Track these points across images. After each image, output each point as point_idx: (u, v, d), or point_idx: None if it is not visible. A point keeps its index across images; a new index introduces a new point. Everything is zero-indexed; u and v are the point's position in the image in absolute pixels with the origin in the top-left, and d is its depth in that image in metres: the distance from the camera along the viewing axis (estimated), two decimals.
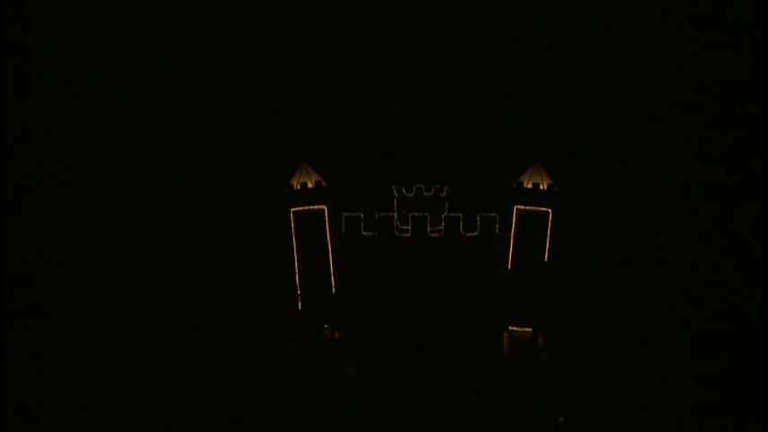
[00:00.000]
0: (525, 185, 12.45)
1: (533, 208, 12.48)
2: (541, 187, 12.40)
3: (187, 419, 10.47)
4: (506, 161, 12.76)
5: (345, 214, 12.57)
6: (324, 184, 12.57)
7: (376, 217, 12.57)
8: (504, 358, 11.82)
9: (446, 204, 12.54)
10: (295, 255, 12.58)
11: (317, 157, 12.75)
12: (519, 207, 12.52)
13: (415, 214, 12.54)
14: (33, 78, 12.42)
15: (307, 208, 12.59)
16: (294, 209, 12.55)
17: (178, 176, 12.77)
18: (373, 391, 10.84)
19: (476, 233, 12.51)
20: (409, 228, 12.55)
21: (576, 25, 12.78)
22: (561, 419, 10.38)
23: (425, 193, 12.55)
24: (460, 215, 12.53)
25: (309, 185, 12.57)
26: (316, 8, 12.89)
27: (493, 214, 12.54)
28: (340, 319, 11.47)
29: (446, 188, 12.53)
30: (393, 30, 12.92)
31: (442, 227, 12.55)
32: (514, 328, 12.52)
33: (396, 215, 12.57)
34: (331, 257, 12.63)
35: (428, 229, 12.53)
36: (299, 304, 12.64)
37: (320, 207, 12.60)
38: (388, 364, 11.29)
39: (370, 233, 12.56)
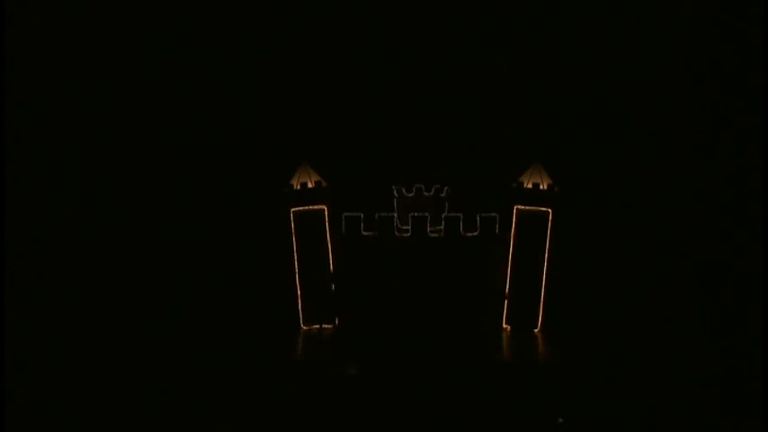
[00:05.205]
0: (525, 185, 12.45)
1: (533, 208, 12.49)
2: (541, 187, 12.40)
3: (186, 420, 10.48)
4: (506, 161, 12.76)
5: (345, 214, 12.57)
6: (324, 184, 12.58)
7: (376, 217, 12.58)
8: (504, 358, 11.83)
9: (446, 204, 12.55)
10: (295, 255, 12.59)
11: (317, 157, 12.75)
12: (519, 207, 12.52)
13: (415, 214, 12.56)
14: (33, 78, 12.44)
15: (307, 208, 12.60)
16: (294, 209, 12.57)
17: (177, 176, 12.76)
18: (373, 391, 10.84)
19: (476, 233, 12.53)
20: (409, 228, 12.55)
21: (576, 24, 12.78)
22: (561, 420, 10.39)
23: (425, 193, 12.56)
24: (460, 215, 12.53)
25: (309, 185, 12.58)
26: (315, 7, 12.89)
27: (493, 214, 12.54)
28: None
29: (446, 188, 12.54)
30: (393, 29, 12.90)
31: (441, 227, 12.55)
32: (515, 329, 12.56)
33: (396, 215, 12.58)
34: (331, 257, 12.64)
35: (428, 229, 12.54)
36: (299, 304, 12.66)
37: (320, 207, 12.61)
38: (388, 364, 11.29)
39: (370, 233, 12.57)
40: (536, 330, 12.52)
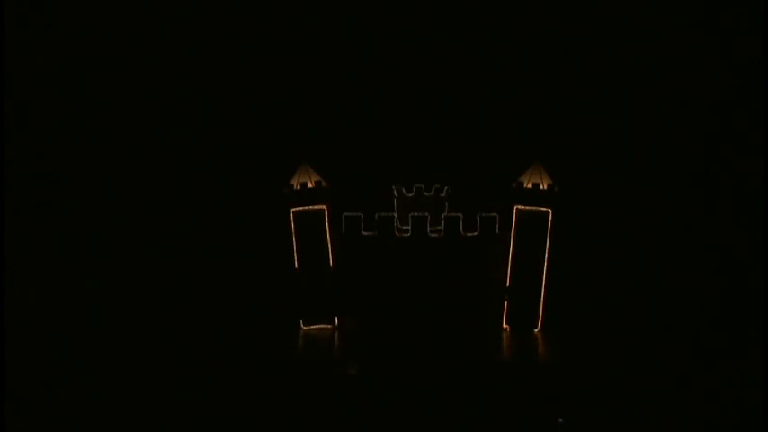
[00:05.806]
0: (525, 185, 12.45)
1: (533, 208, 12.49)
2: (541, 187, 12.40)
3: (186, 420, 10.47)
4: (506, 161, 12.76)
5: (345, 214, 12.57)
6: (324, 184, 12.58)
7: (376, 217, 12.58)
8: (504, 358, 11.83)
9: (446, 204, 12.55)
10: (295, 255, 12.59)
11: (317, 157, 12.75)
12: (519, 207, 12.52)
13: (415, 214, 12.56)
14: (33, 78, 12.43)
15: (307, 208, 12.60)
16: (294, 209, 12.57)
17: (177, 176, 12.76)
18: (373, 391, 10.83)
19: (476, 233, 12.53)
20: (409, 228, 12.55)
21: (576, 24, 12.78)
22: (561, 420, 10.38)
23: (425, 193, 12.56)
24: (460, 215, 12.53)
25: (309, 185, 12.58)
26: (315, 7, 12.88)
27: (493, 214, 12.54)
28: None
29: (446, 188, 12.54)
30: (393, 29, 12.91)
31: (441, 227, 12.55)
32: (515, 329, 12.56)
33: (396, 215, 12.58)
34: (331, 257, 12.64)
35: (428, 229, 12.54)
36: (299, 303, 12.65)
37: (320, 207, 12.61)
38: (388, 364, 11.29)
39: (370, 233, 12.57)
40: (536, 330, 12.52)
